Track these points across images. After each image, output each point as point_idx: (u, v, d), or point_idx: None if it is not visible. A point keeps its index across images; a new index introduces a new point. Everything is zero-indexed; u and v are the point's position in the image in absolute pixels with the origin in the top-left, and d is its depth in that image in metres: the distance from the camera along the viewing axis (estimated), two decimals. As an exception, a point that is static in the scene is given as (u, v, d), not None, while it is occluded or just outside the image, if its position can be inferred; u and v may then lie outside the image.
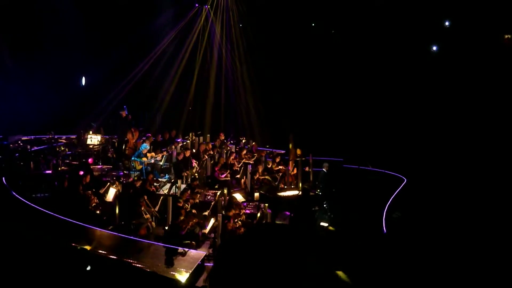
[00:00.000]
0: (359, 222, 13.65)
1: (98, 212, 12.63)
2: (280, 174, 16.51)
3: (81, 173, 13.29)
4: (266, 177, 16.17)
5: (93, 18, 20.94)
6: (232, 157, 16.85)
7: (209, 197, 14.03)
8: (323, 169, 15.81)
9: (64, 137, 18.99)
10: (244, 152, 17.74)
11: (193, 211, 12.51)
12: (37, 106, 19.68)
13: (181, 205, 12.26)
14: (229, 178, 15.68)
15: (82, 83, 23.06)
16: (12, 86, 19.96)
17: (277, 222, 13.80)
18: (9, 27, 19.86)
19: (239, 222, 11.99)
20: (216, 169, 15.79)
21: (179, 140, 18.74)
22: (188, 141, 18.82)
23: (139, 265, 9.93)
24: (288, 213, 14.34)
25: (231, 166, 16.24)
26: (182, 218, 11.55)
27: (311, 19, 21.83)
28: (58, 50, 20.72)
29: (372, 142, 19.95)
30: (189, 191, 13.16)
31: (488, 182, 16.10)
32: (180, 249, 10.64)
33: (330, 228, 13.81)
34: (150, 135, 17.48)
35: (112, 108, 20.63)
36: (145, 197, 12.64)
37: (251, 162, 16.88)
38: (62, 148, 16.88)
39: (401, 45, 21.05)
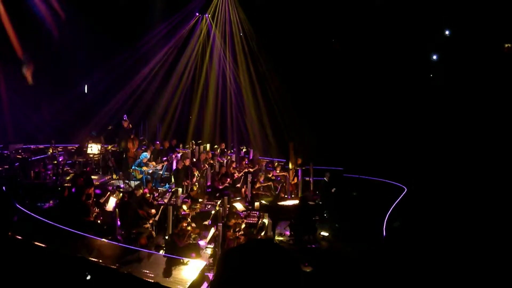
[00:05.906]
0: (359, 232, 13.62)
1: (98, 221, 12.62)
2: (281, 183, 16.49)
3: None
4: (267, 185, 16.15)
5: (95, 27, 20.94)
6: (232, 166, 16.84)
7: (209, 207, 14.00)
8: (324, 178, 15.83)
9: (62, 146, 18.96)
10: (245, 161, 17.74)
11: (193, 224, 12.37)
12: (37, 115, 19.67)
13: (181, 216, 12.21)
14: (229, 185, 15.66)
15: (85, 90, 23.04)
16: (13, 95, 19.94)
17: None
18: (10, 35, 19.82)
19: (240, 232, 11.93)
20: (216, 179, 15.77)
21: (179, 149, 18.71)
22: (188, 150, 18.81)
23: (140, 275, 9.91)
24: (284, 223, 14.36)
25: (232, 175, 16.22)
26: (183, 228, 11.51)
27: (312, 28, 21.84)
28: (59, 59, 20.71)
29: (373, 151, 19.93)
30: (189, 201, 13.12)
31: (488, 192, 16.06)
32: (181, 259, 10.61)
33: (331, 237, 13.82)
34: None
35: (112, 117, 20.59)
36: (147, 208, 12.63)
37: (251, 171, 16.87)
38: (61, 158, 16.85)
39: (402, 54, 21.10)
